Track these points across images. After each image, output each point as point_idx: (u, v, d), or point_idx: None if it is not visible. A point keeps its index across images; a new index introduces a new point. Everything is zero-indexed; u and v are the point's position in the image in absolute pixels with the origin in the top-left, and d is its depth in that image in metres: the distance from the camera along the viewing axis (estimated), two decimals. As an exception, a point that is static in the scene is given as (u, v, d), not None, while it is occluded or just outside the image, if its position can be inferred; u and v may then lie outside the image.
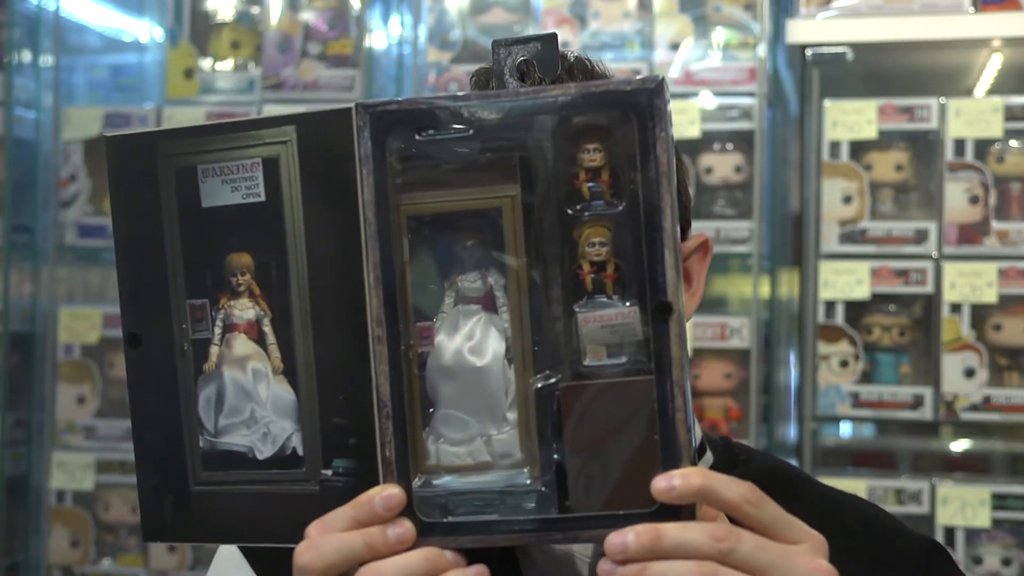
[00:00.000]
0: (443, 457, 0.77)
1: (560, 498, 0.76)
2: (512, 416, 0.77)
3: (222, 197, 0.81)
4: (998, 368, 2.38)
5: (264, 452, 0.81)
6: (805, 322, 2.47)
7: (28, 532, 2.85)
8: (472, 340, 0.77)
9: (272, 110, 2.71)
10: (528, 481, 0.76)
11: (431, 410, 0.78)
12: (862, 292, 2.41)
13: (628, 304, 0.75)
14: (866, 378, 2.43)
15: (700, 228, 2.49)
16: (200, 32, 2.82)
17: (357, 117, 0.77)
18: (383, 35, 2.81)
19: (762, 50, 2.52)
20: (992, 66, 2.63)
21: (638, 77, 0.75)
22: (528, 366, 0.77)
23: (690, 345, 2.50)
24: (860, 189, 2.45)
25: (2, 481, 2.80)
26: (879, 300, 2.43)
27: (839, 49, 2.44)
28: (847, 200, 2.45)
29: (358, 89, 2.70)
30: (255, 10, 2.80)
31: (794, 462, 2.51)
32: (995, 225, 2.39)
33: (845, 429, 2.86)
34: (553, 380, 0.76)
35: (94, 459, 2.76)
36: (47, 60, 2.90)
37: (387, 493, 0.75)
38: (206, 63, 2.81)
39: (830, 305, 2.44)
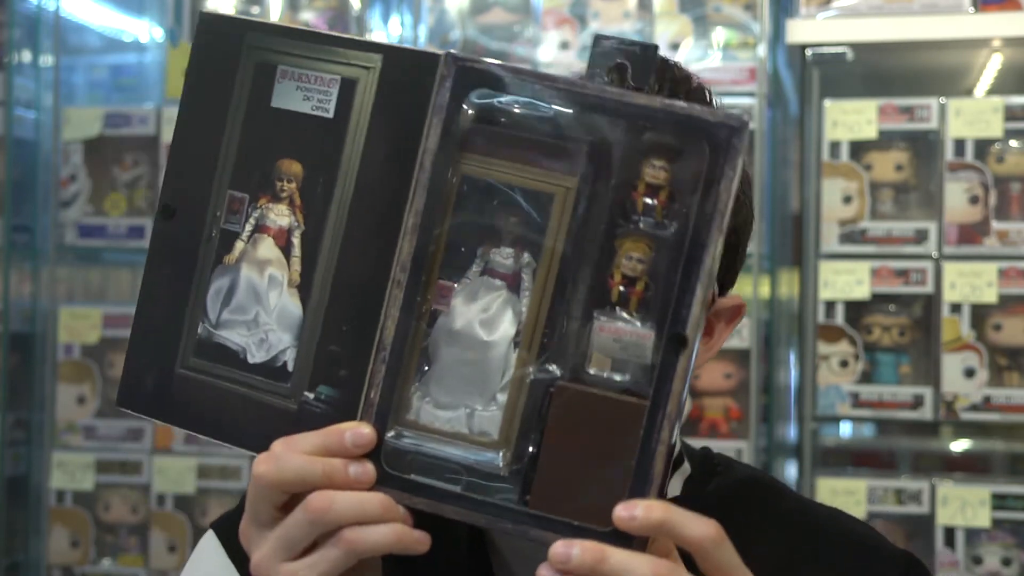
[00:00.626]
0: (423, 416, 0.77)
1: (523, 491, 0.75)
2: (501, 398, 0.77)
3: (292, 102, 0.82)
4: (998, 368, 2.38)
5: (256, 357, 0.81)
6: (805, 322, 2.47)
7: (28, 532, 2.85)
8: (486, 313, 0.77)
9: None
10: (497, 464, 0.76)
11: (426, 368, 0.78)
12: (862, 292, 2.41)
13: (647, 326, 0.75)
14: (866, 378, 2.43)
15: (700, 228, 2.48)
16: (200, 32, 2.82)
17: (443, 65, 0.77)
18: (383, 35, 2.81)
19: (762, 50, 2.52)
20: (992, 66, 2.63)
21: (725, 112, 0.75)
22: (532, 354, 0.76)
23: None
24: (860, 189, 2.45)
25: (2, 481, 2.80)
26: (879, 300, 2.43)
27: (839, 49, 2.44)
28: (847, 200, 2.45)
29: (358, 89, 2.69)
30: (255, 10, 2.80)
31: (794, 462, 2.51)
32: (995, 225, 2.39)
33: (845, 429, 2.86)
34: (551, 375, 0.76)
35: (94, 459, 2.76)
36: (47, 60, 2.90)
37: (359, 431, 0.75)
38: (206, 63, 2.80)
39: (830, 305, 2.44)
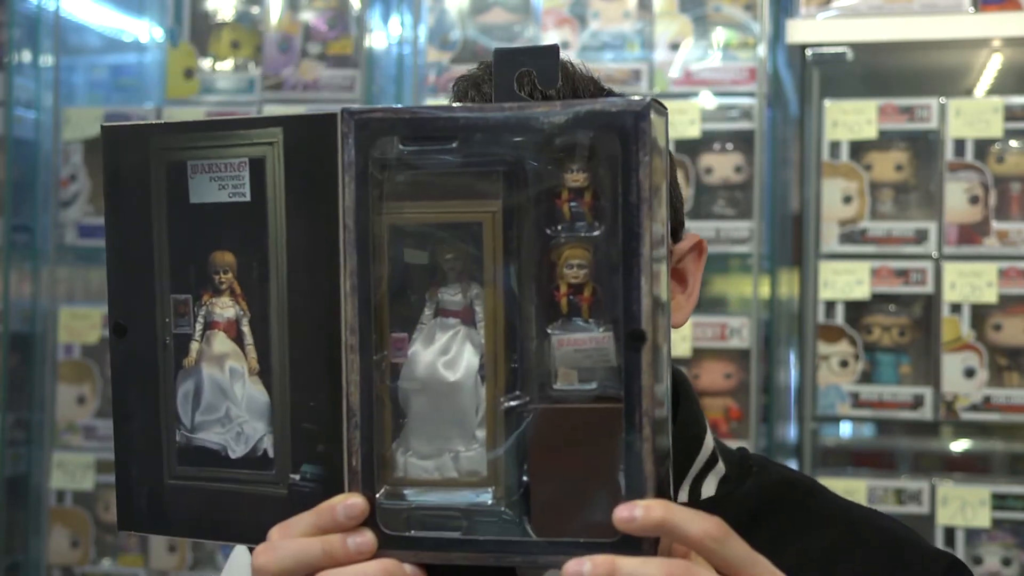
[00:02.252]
0: (411, 470, 0.77)
1: (523, 521, 0.75)
2: (481, 434, 0.76)
3: (209, 194, 0.82)
4: (998, 368, 2.38)
5: (237, 451, 0.81)
6: (805, 322, 2.47)
7: (28, 532, 2.85)
8: (447, 354, 0.76)
9: (272, 110, 2.72)
10: (492, 501, 0.76)
11: (403, 421, 0.77)
12: (862, 292, 2.41)
13: (603, 329, 0.74)
14: (866, 378, 2.43)
15: (700, 228, 2.49)
16: (200, 32, 2.82)
17: (342, 123, 0.76)
18: (383, 35, 2.81)
19: (762, 50, 2.52)
20: (992, 66, 2.63)
21: (628, 98, 0.73)
22: (500, 384, 0.76)
23: (690, 345, 2.50)
24: (860, 189, 2.45)
25: (2, 481, 2.80)
26: (879, 300, 2.43)
27: (839, 49, 2.44)
28: (847, 200, 2.45)
29: (358, 89, 2.70)
30: (255, 10, 2.80)
31: (794, 462, 2.51)
32: (995, 225, 2.38)
33: (845, 429, 2.86)
34: (523, 401, 0.75)
35: (94, 459, 2.76)
36: (47, 60, 2.90)
37: (350, 502, 0.75)
38: (206, 63, 2.81)
39: (830, 305, 2.44)
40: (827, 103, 2.46)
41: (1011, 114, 2.39)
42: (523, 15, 2.65)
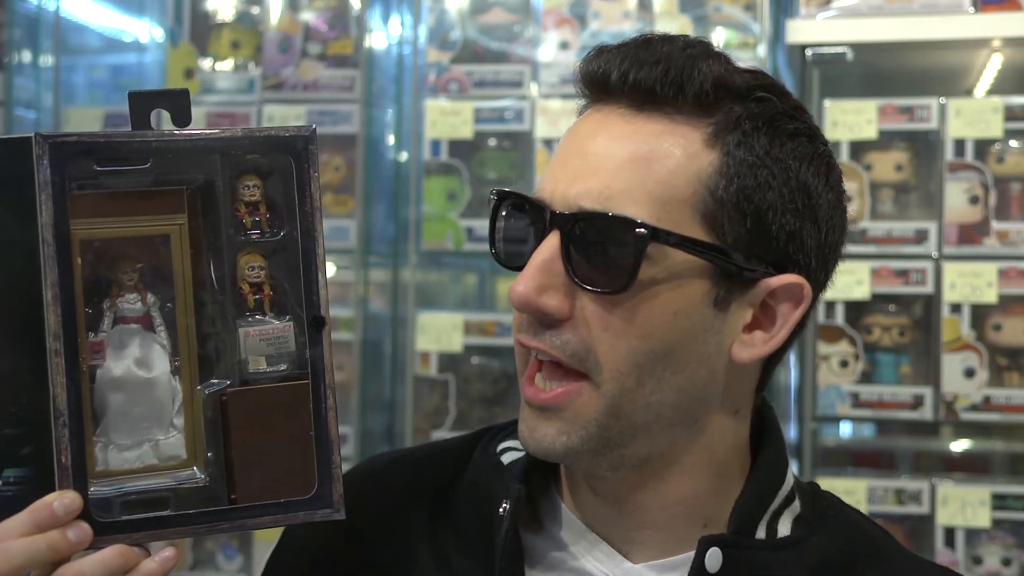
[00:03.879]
0: (112, 462, 0.84)
1: (228, 491, 0.85)
2: (179, 422, 0.85)
3: None
4: (998, 368, 2.38)
5: None
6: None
7: (28, 532, 2.85)
8: (138, 355, 0.85)
9: (272, 110, 2.72)
10: (195, 479, 0.85)
11: (101, 419, 0.84)
12: (862, 292, 2.41)
13: (283, 320, 0.86)
14: (866, 378, 2.43)
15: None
16: (200, 32, 2.82)
17: (37, 146, 0.81)
18: (383, 35, 2.81)
19: (762, 50, 2.52)
20: (992, 66, 2.63)
21: (297, 125, 0.86)
22: (195, 376, 0.86)
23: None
24: (860, 189, 2.45)
25: (2, 481, 2.80)
26: (879, 300, 2.43)
27: (839, 49, 2.44)
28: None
29: (358, 89, 2.70)
30: (255, 10, 2.80)
31: (794, 462, 2.51)
32: (995, 225, 2.38)
33: (845, 429, 2.86)
34: (220, 387, 0.86)
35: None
36: (47, 60, 2.90)
37: (66, 499, 0.80)
38: (206, 63, 2.81)
39: (830, 305, 2.44)
40: (827, 103, 2.46)
41: (1011, 114, 2.39)
42: (523, 15, 2.65)
